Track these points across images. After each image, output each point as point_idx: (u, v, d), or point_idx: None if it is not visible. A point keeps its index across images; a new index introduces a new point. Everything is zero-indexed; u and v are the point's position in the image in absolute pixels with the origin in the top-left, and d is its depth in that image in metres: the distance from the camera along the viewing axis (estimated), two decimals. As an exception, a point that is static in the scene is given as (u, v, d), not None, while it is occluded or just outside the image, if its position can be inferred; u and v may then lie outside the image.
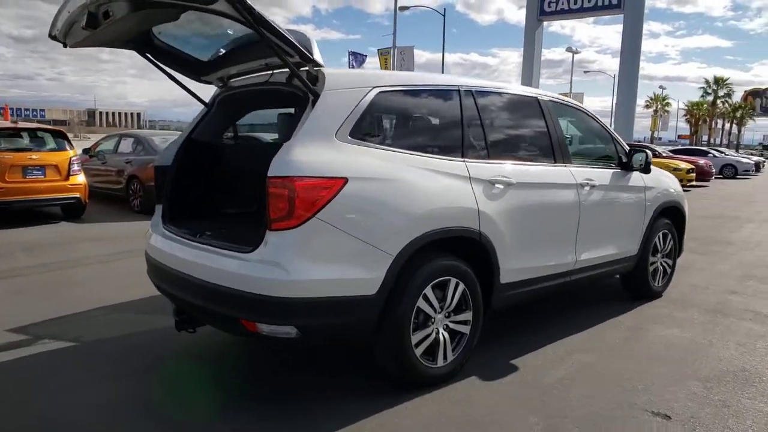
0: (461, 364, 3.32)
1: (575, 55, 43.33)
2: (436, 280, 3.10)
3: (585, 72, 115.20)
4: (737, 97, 79.54)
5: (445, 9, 28.51)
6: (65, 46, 3.33)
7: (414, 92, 3.33)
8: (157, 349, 3.80)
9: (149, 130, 13.36)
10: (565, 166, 4.06)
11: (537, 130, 4.00)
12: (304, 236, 2.66)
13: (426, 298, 3.06)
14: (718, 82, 73.77)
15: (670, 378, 3.42)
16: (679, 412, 2.98)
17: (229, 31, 3.36)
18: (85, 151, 11.70)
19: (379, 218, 2.86)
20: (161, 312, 4.53)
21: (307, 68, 2.99)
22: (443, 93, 3.46)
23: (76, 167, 9.22)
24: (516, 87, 4.08)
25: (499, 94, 3.81)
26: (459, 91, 3.49)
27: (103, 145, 11.73)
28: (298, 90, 3.03)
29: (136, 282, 5.35)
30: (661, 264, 5.17)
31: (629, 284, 5.05)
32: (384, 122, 3.11)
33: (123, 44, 3.44)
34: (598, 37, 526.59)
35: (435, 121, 3.45)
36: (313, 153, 2.75)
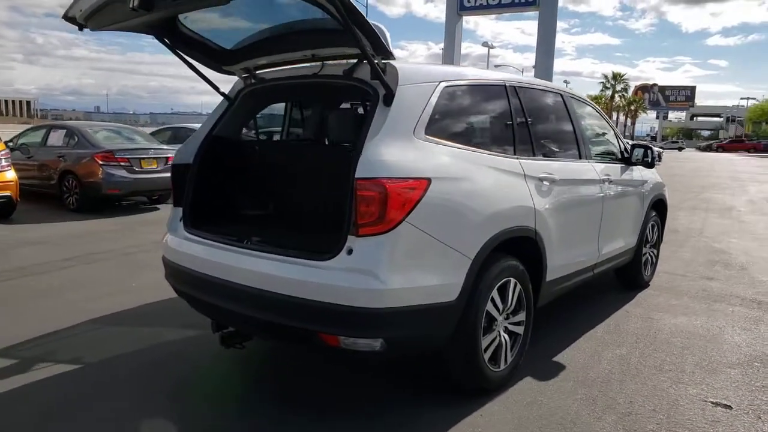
0: (516, 366, 3.27)
1: (483, 50, 44.72)
2: (500, 282, 3.02)
3: (496, 66, 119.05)
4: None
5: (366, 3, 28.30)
6: (81, 29, 2.91)
7: (473, 87, 3.21)
8: (176, 367, 3.44)
9: (83, 122, 12.22)
10: (588, 161, 4.12)
11: (565, 126, 4.02)
12: (394, 241, 2.48)
13: (493, 301, 2.98)
14: (616, 77, 79.00)
15: (706, 367, 3.56)
16: (736, 401, 3.10)
17: (261, 23, 3.10)
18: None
19: (458, 220, 2.74)
20: (159, 323, 4.18)
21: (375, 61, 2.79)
22: (496, 89, 3.36)
23: (4, 163, 8.27)
24: (542, 82, 4.06)
25: (535, 89, 3.77)
26: (505, 86, 3.41)
27: (28, 137, 10.61)
28: (362, 84, 2.82)
29: (115, 290, 4.89)
30: (650, 254, 5.41)
31: (624, 275, 5.24)
32: (451, 119, 2.96)
33: (146, 28, 3.05)
34: (500, 33, 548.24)
35: (491, 117, 3.35)
36: (398, 152, 2.57)
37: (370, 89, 2.77)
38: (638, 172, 4.88)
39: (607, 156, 4.64)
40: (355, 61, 2.90)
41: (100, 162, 9.00)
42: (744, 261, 6.65)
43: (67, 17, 2.87)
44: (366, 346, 2.55)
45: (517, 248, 3.16)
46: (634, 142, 5.07)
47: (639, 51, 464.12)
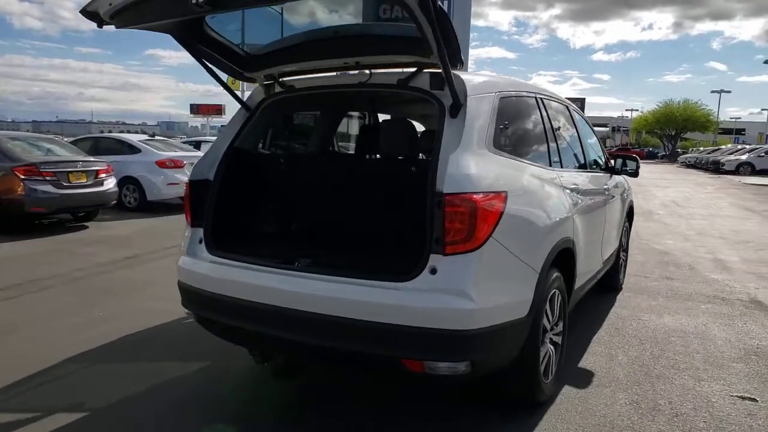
0: (556, 376, 3.29)
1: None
2: (550, 294, 3.03)
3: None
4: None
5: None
6: (101, 25, 2.58)
7: (517, 99, 3.21)
8: (207, 405, 3.13)
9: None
10: (591, 172, 4.26)
11: (574, 137, 4.13)
12: (482, 259, 2.39)
13: (545, 314, 2.98)
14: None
15: (714, 363, 3.78)
16: (758, 394, 3.31)
17: (302, 26, 2.92)
18: None
19: (528, 234, 2.72)
20: (152, 356, 3.80)
21: (430, 70, 2.70)
22: (531, 100, 3.39)
23: None
24: (554, 92, 4.15)
25: (553, 101, 3.85)
26: (536, 97, 3.45)
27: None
28: (423, 94, 2.72)
29: (81, 322, 4.38)
30: (624, 258, 5.69)
31: (606, 279, 5.45)
32: (506, 130, 2.93)
33: (173, 28, 2.77)
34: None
35: (531, 128, 3.36)
36: (479, 166, 2.50)
37: (433, 100, 2.68)
38: (620, 180, 5.12)
39: (597, 165, 4.83)
40: (413, 69, 2.79)
41: (22, 176, 8.10)
42: (689, 261, 7.19)
43: (87, 12, 2.54)
44: (450, 369, 2.44)
45: (557, 259, 3.19)
46: (616, 153, 5.35)
47: (532, 65, 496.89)
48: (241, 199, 3.26)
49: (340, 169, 3.60)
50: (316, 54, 3.00)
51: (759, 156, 30.90)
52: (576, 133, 4.17)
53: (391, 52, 2.80)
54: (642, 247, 8.09)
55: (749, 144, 44.02)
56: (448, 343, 2.36)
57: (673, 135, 61.41)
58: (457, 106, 2.61)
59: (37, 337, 4.08)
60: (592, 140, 4.78)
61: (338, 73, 3.09)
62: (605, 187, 4.38)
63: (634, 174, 5.02)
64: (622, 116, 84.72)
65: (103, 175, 9.29)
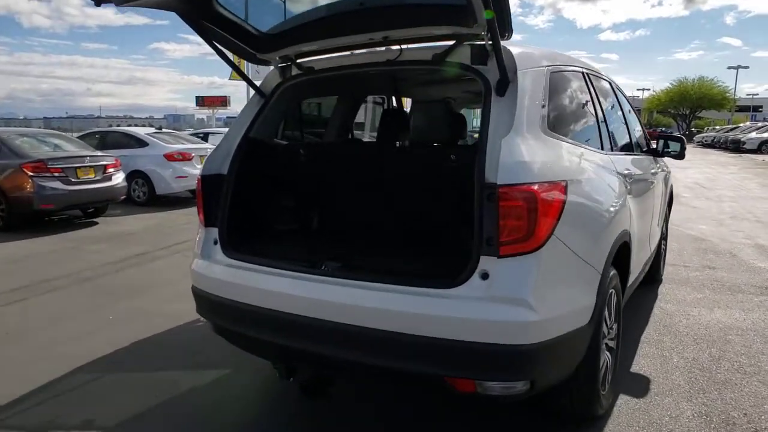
0: (612, 385, 2.95)
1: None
2: (608, 295, 2.68)
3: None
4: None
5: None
6: (99, 3, 2.25)
7: (566, 74, 2.83)
8: (221, 423, 2.83)
9: (5, 128, 10.65)
10: (638, 154, 3.89)
11: (620, 116, 3.75)
12: (543, 261, 2.05)
13: (604, 319, 2.64)
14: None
15: (783, 364, 3.42)
16: (841, 401, 2.95)
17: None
18: None
19: (589, 229, 2.37)
20: (166, 364, 3.52)
21: (472, 42, 2.35)
22: (578, 75, 3.01)
23: None
24: (596, 67, 3.76)
25: (600, 77, 3.46)
26: (583, 73, 3.07)
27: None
28: (464, 70, 2.37)
29: (91, 327, 4.10)
30: (663, 246, 5.31)
31: (648, 270, 5.10)
32: (558, 110, 2.57)
33: (179, 4, 2.43)
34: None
35: (581, 107, 2.99)
36: (535, 152, 2.14)
37: (476, 76, 2.32)
38: (662, 163, 4.73)
39: (639, 147, 4.44)
40: (450, 43, 2.43)
41: (30, 173, 7.84)
42: (729, 248, 6.78)
43: None
44: (506, 389, 2.11)
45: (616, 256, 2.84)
46: (666, 133, 5.00)
47: (539, 45, 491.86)
48: (258, 194, 2.94)
49: (368, 159, 3.23)
50: (339, 30, 2.64)
51: (777, 134, 30.08)
52: (621, 112, 3.78)
53: (424, 23, 2.43)
54: (674, 233, 7.67)
55: (765, 121, 42.91)
56: (504, 361, 2.02)
57: (687, 114, 60.21)
58: (505, 83, 2.25)
59: (44, 344, 3.81)
60: (634, 119, 4.39)
61: (364, 50, 2.73)
62: (652, 171, 4.00)
63: (679, 156, 4.62)
64: (633, 96, 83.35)
65: (111, 170, 9.03)
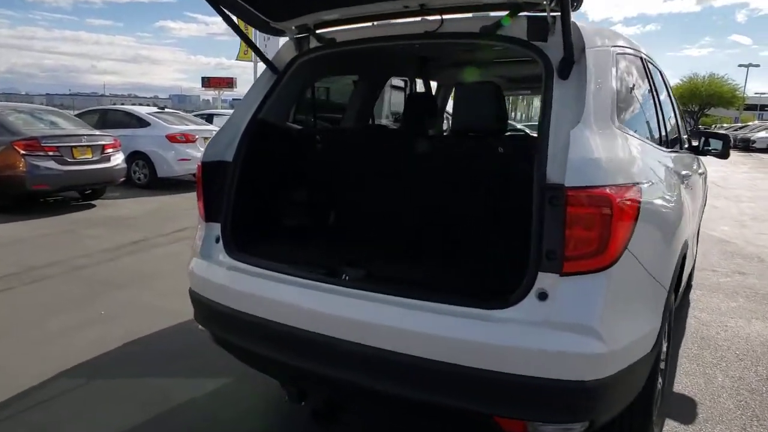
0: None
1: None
2: (670, 314, 2.34)
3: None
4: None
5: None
6: None
7: (630, 56, 2.47)
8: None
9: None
10: (684, 152, 3.53)
11: (671, 110, 3.38)
12: (615, 280, 1.71)
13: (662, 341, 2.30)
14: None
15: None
16: None
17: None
18: None
19: (660, 239, 2.03)
20: (162, 370, 3.19)
21: (529, 13, 2.00)
22: (638, 59, 2.64)
23: None
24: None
25: (653, 64, 3.08)
26: (641, 57, 2.71)
27: None
28: (519, 46, 2.01)
29: (80, 322, 3.78)
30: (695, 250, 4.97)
31: None
32: (624, 99, 2.21)
33: None
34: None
35: (644, 96, 2.63)
36: (608, 148, 1.80)
37: (536, 55, 1.96)
38: (702, 163, 4.37)
39: (682, 144, 4.09)
40: (503, 13, 2.06)
41: (22, 152, 7.48)
42: (756, 251, 6.44)
43: None
44: (562, 431, 1.77)
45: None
46: (708, 130, 4.65)
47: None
48: (268, 185, 2.60)
49: (395, 149, 2.85)
50: None
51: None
52: (671, 104, 3.42)
53: None
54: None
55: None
56: (565, 400, 1.69)
57: (696, 111, 59.49)
58: (569, 63, 1.90)
59: (26, 343, 3.49)
60: (678, 113, 4.02)
61: (396, 21, 2.36)
62: (699, 171, 3.65)
63: (722, 155, 4.25)
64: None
65: (110, 150, 8.67)
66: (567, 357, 1.65)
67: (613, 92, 1.98)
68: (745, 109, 62.46)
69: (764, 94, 75.61)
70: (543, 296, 1.71)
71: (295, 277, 2.12)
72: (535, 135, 2.87)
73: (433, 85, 4.31)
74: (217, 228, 2.43)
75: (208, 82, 37.93)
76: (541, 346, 1.67)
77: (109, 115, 11.16)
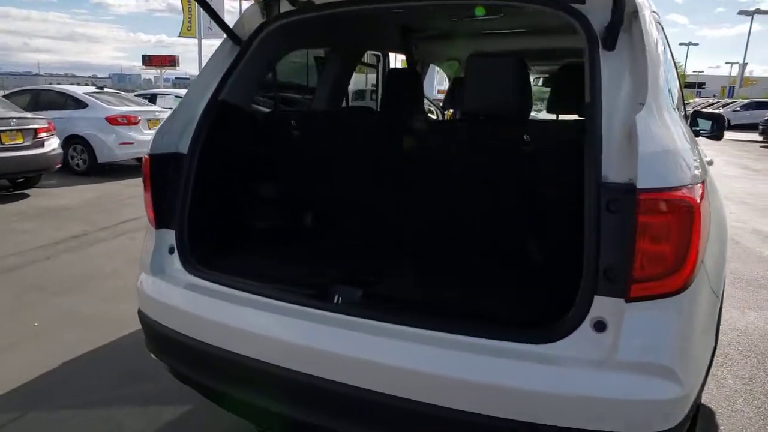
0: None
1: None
2: None
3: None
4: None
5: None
6: None
7: (659, 24, 2.11)
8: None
9: None
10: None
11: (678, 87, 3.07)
12: (690, 303, 1.38)
13: None
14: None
15: None
16: None
17: None
18: None
19: (718, 248, 1.72)
20: (106, 400, 2.69)
21: None
22: (661, 28, 2.29)
23: None
24: None
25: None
26: (660, 23, 2.36)
27: None
28: (551, 7, 1.63)
29: (10, 337, 3.21)
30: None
31: None
32: (667, 76, 1.86)
33: None
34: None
35: (672, 71, 2.29)
36: (679, 138, 1.44)
37: (574, 19, 1.58)
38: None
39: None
40: None
41: (-59, 137, 6.64)
42: (729, 234, 6.37)
43: None
44: None
45: None
46: (699, 110, 4.41)
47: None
48: (234, 181, 2.15)
49: (392, 135, 2.40)
50: None
51: (734, 111, 30.56)
52: (677, 78, 3.12)
53: None
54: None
55: (714, 98, 43.73)
56: None
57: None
58: (615, 31, 1.53)
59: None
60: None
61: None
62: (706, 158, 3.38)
63: (717, 137, 4.01)
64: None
65: (43, 135, 7.86)
66: (635, 406, 1.31)
67: (663, 68, 1.63)
68: (684, 87, 64.50)
69: (702, 72, 78.55)
70: (600, 326, 1.36)
71: (273, 300, 1.70)
72: (565, 118, 2.53)
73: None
74: (170, 236, 1.98)
75: (149, 61, 36.32)
76: (602, 392, 1.32)
77: (42, 96, 10.20)
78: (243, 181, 2.24)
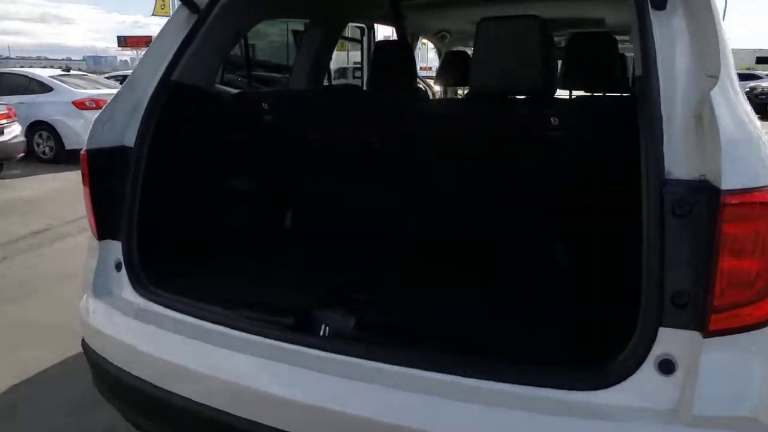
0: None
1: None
2: None
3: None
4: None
5: None
6: None
7: None
8: None
9: None
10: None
11: None
12: None
13: None
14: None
15: None
16: None
17: None
18: None
19: None
20: None
21: None
22: None
23: None
24: None
25: None
26: None
27: None
28: None
29: None
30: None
31: None
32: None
33: None
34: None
35: None
36: (757, 123, 1.12)
37: None
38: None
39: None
40: None
41: None
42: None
43: None
44: None
45: None
46: None
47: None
48: (193, 178, 1.78)
49: (386, 119, 1.98)
50: None
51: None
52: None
53: None
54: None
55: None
56: None
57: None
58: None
59: None
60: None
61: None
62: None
63: None
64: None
65: (4, 121, 7.40)
66: None
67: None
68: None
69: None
70: (668, 367, 1.05)
71: (244, 333, 1.35)
72: (598, 95, 2.18)
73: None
74: (117, 248, 1.62)
75: (124, 42, 35.42)
76: None
77: (2, 81, 9.60)
78: (205, 177, 1.88)
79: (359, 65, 4.16)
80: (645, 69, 1.19)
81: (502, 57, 1.56)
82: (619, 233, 1.24)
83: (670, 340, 1.05)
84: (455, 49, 3.97)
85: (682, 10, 1.23)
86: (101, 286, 1.62)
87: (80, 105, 8.89)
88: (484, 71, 1.59)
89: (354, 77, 3.97)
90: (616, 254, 1.26)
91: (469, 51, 4.87)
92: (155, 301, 1.51)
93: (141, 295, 1.54)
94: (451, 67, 3.52)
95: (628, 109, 1.27)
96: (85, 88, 9.41)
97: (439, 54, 4.11)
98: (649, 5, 1.22)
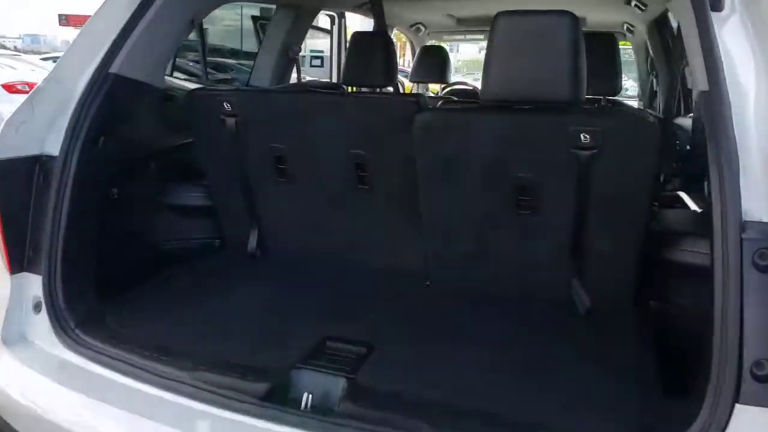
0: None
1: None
2: None
3: None
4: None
5: None
6: None
7: None
8: None
9: None
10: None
11: None
12: None
13: None
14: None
15: None
16: None
17: None
18: None
19: None
20: None
21: None
22: None
23: None
24: None
25: None
26: None
27: None
28: None
29: None
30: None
31: None
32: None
33: None
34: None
35: None
36: None
37: None
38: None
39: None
40: None
41: None
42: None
43: None
44: None
45: None
46: None
47: None
48: (135, 193, 1.46)
49: (370, 122, 1.63)
50: None
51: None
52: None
53: None
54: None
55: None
56: None
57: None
58: None
59: None
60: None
61: None
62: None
63: None
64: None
65: None
66: None
67: None
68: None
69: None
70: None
71: (201, 404, 1.05)
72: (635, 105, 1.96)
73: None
74: (36, 283, 1.29)
75: (66, 20, 33.82)
76: None
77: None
78: (151, 192, 1.55)
79: (317, 54, 3.88)
80: (713, 84, 0.96)
81: (526, 59, 1.29)
82: (672, 280, 1.01)
83: (749, 421, 0.84)
84: (430, 43, 3.85)
85: (744, 15, 1.02)
86: (13, 332, 1.27)
87: (10, 89, 8.25)
88: (501, 75, 1.32)
89: (311, 65, 3.68)
90: (666, 306, 1.04)
91: (446, 45, 4.70)
92: (83, 354, 1.19)
93: (64, 344, 1.22)
94: (426, 63, 3.42)
95: (682, 128, 1.05)
96: (16, 70, 8.73)
97: (413, 48, 3.92)
98: (708, 6, 1.00)
